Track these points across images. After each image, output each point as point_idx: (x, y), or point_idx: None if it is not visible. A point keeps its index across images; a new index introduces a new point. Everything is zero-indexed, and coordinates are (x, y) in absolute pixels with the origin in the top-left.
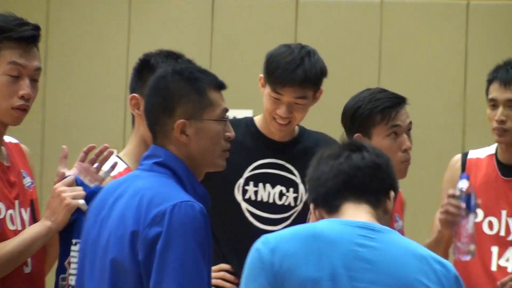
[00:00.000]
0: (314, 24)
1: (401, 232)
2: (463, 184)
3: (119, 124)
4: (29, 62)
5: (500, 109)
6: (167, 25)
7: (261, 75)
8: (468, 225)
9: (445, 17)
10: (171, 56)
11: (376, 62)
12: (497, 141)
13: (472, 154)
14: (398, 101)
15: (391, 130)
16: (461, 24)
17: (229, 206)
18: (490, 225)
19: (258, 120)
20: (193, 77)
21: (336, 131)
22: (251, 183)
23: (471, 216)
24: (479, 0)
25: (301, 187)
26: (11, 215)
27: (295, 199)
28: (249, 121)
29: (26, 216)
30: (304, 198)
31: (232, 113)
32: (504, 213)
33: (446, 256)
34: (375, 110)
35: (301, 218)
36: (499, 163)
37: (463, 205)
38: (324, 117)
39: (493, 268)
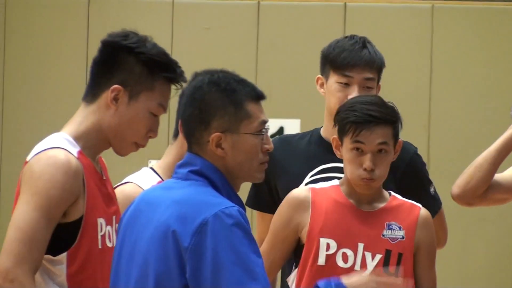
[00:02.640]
0: (362, 28)
1: None
2: None
3: None
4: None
5: None
6: (210, 31)
7: (319, 75)
8: None
9: (410, 20)
10: None
11: None
12: None
13: None
14: (369, 119)
15: (354, 145)
16: (426, 27)
17: None
18: None
19: (322, 128)
20: (230, 88)
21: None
22: None
23: None
24: (444, 2)
25: None
26: (109, 231)
27: None
28: (314, 131)
29: None
30: None
31: (278, 123)
32: None
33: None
34: (345, 120)
35: None
36: None
37: None
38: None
39: None
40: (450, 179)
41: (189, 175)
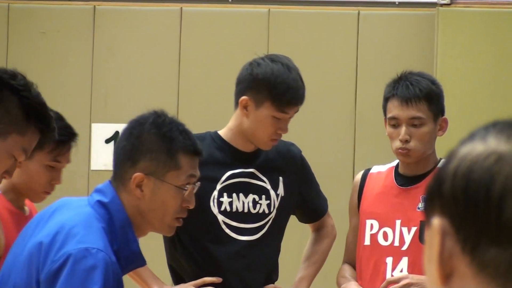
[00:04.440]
0: (198, 33)
1: None
2: None
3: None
4: None
5: (403, 128)
6: (46, 35)
7: (245, 97)
8: None
9: (336, 27)
10: None
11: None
12: (402, 161)
13: (376, 168)
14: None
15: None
16: (352, 33)
17: (205, 221)
18: (385, 235)
19: (223, 133)
20: (170, 135)
21: None
22: (225, 194)
23: None
24: (370, 9)
25: (272, 193)
26: None
27: (268, 206)
28: (213, 134)
29: None
30: (277, 204)
31: (114, 128)
32: (398, 223)
33: None
34: None
35: (276, 225)
36: (397, 174)
37: None
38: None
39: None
40: None
41: (95, 204)
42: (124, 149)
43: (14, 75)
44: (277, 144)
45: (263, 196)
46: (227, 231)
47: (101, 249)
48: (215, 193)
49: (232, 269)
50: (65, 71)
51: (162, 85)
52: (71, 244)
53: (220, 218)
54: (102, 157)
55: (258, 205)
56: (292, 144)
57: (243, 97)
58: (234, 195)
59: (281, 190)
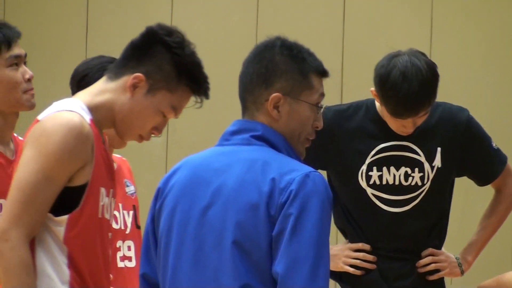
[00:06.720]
0: (361, 7)
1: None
2: None
3: None
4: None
5: None
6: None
7: (373, 89)
8: None
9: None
10: None
11: (340, 47)
12: None
13: None
14: None
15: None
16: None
17: (354, 192)
18: None
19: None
20: (301, 56)
21: None
22: (374, 168)
23: None
24: None
25: (427, 166)
26: (106, 203)
27: (421, 178)
28: (370, 104)
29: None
30: (431, 176)
31: None
32: None
33: None
34: None
35: (431, 196)
36: None
37: None
38: None
39: None
40: None
41: (251, 140)
42: (258, 73)
43: (170, 32)
44: (441, 110)
45: (416, 169)
46: (377, 202)
47: (314, 170)
48: (364, 167)
49: (382, 239)
50: (229, 30)
51: (326, 48)
52: (291, 170)
53: (369, 191)
54: None
55: (410, 178)
56: (461, 109)
57: (371, 89)
58: (385, 168)
59: (437, 161)
